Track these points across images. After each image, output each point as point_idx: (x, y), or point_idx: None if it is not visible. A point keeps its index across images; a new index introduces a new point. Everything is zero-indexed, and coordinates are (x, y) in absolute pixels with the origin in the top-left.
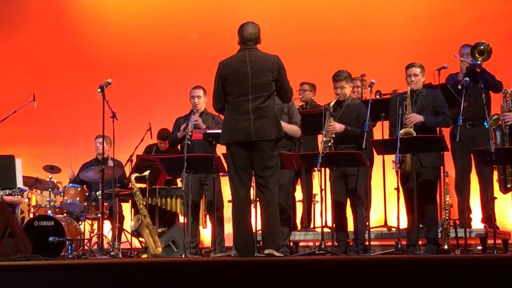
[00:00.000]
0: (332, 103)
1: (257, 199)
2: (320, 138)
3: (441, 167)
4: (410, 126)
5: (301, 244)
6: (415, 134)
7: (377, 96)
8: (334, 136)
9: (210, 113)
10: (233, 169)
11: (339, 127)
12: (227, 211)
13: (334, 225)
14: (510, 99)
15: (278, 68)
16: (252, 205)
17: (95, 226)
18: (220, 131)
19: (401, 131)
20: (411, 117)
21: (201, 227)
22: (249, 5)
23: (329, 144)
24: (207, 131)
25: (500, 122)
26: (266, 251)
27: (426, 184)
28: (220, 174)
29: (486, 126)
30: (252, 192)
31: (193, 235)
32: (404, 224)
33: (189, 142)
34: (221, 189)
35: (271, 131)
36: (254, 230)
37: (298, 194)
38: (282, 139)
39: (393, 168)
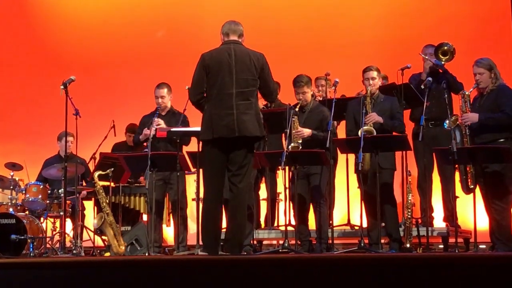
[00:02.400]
0: (297, 108)
1: (225, 198)
2: (283, 136)
3: (394, 172)
4: (370, 124)
5: (264, 242)
6: (375, 132)
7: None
8: (301, 141)
9: (177, 110)
10: (209, 166)
11: (306, 132)
12: (191, 210)
13: (296, 221)
14: (468, 100)
15: (262, 65)
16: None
17: (57, 224)
18: (184, 129)
19: (363, 128)
20: (371, 115)
21: (164, 225)
22: (215, 4)
23: (298, 150)
24: (171, 129)
25: (459, 123)
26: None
27: (383, 186)
28: (186, 172)
29: (445, 127)
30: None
31: (157, 233)
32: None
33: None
34: (185, 188)
35: (254, 128)
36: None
37: (263, 193)
38: (263, 138)
39: (355, 166)
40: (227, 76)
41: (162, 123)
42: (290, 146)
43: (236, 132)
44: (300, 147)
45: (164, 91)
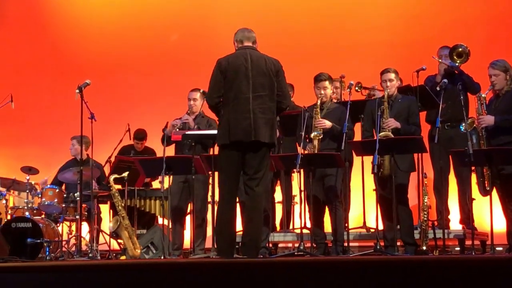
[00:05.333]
0: (318, 102)
1: (241, 200)
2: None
3: (411, 173)
4: (388, 130)
5: (280, 245)
6: (392, 136)
7: (357, 89)
8: (321, 131)
9: (207, 116)
10: (225, 169)
11: (328, 124)
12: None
13: (311, 223)
14: (485, 102)
15: (277, 69)
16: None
17: (73, 227)
18: (198, 132)
19: (380, 134)
20: (389, 121)
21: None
22: (229, 7)
23: (319, 138)
24: (186, 132)
25: (475, 125)
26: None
27: (398, 188)
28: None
29: (462, 130)
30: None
31: (177, 237)
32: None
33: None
34: (208, 191)
35: (267, 135)
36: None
37: (278, 195)
38: (273, 145)
39: (372, 169)
40: (244, 80)
41: (190, 120)
42: (312, 135)
43: (252, 136)
44: (322, 136)
45: (197, 94)
